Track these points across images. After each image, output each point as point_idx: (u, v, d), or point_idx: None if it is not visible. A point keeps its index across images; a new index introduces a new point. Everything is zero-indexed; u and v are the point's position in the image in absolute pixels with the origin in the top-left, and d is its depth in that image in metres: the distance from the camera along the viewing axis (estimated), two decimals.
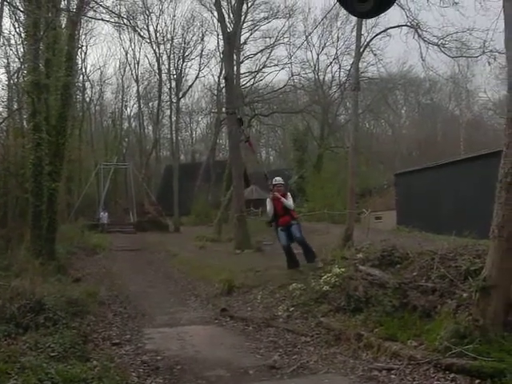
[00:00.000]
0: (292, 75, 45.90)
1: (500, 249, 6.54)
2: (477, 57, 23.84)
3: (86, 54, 45.99)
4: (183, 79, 49.42)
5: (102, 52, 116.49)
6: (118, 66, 64.84)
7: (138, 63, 51.68)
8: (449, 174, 27.33)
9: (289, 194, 12.08)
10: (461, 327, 6.42)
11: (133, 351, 7.72)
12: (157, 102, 50.41)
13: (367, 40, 27.39)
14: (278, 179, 12.30)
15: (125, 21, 34.79)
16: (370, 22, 27.79)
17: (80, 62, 42.34)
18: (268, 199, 11.98)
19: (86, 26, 38.73)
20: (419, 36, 23.26)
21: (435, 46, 23.53)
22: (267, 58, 45.10)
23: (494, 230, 6.54)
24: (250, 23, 42.22)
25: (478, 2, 20.39)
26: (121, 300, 12.30)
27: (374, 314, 7.99)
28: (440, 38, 23.32)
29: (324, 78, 49.05)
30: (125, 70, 52.18)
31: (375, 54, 32.86)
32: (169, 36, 47.39)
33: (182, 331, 9.00)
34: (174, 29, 48.24)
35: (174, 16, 47.49)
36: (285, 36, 44.65)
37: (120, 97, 53.67)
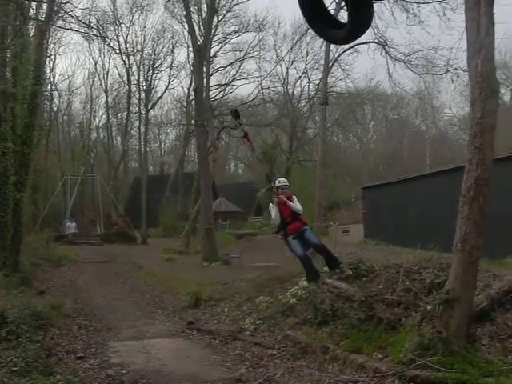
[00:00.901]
0: (261, 88, 46.14)
1: (463, 262, 6.67)
2: (441, 74, 24.45)
3: (54, 62, 45.36)
4: (153, 90, 49.26)
5: (71, 61, 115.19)
6: (86, 75, 64.02)
7: (107, 73, 51.16)
8: (415, 188, 27.71)
9: (294, 196, 10.09)
10: (425, 339, 6.51)
11: (97, 365, 7.63)
12: (126, 112, 50.01)
13: (336, 55, 27.66)
14: (283, 180, 10.40)
15: (94, 31, 34.65)
16: None
17: (48, 71, 41.78)
18: (271, 205, 10.08)
19: (55, 34, 38.27)
20: (386, 53, 23.69)
21: (402, 63, 24.02)
22: (237, 71, 45.26)
23: (457, 244, 6.67)
24: (220, 36, 42.32)
25: (442, 21, 20.87)
26: (86, 313, 12.12)
27: (341, 326, 8.05)
28: (406, 55, 23.81)
29: (293, 92, 49.36)
30: (94, 80, 51.67)
31: (343, 69, 33.29)
32: (139, 47, 47.16)
33: (148, 344, 8.93)
34: (145, 40, 48.12)
35: (145, 27, 47.73)
36: (255, 50, 44.88)
37: (88, 107, 53.13)
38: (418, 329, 7.03)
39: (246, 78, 45.23)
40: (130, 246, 34.48)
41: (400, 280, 8.55)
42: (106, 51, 48.27)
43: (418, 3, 21.13)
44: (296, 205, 9.78)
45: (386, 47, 23.53)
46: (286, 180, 10.45)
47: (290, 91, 49.05)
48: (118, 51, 45.58)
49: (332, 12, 16.15)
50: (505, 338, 6.59)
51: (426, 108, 53.77)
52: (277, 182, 10.16)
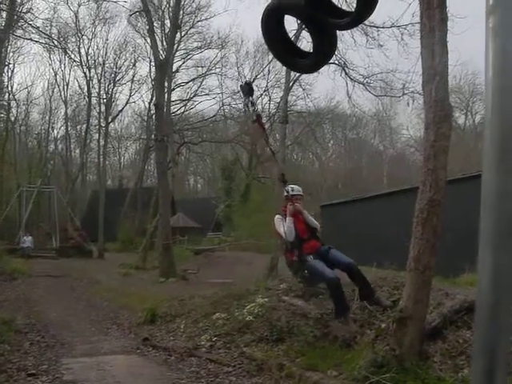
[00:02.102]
0: (223, 105, 46.35)
1: (416, 281, 6.81)
2: (399, 97, 25.08)
3: (13, 72, 44.60)
4: (113, 104, 48.96)
5: (31, 71, 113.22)
6: (46, 86, 63.05)
7: (67, 85, 50.56)
8: (372, 207, 28.12)
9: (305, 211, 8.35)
10: (379, 357, 6.60)
11: (49, 382, 7.47)
12: (85, 125, 49.48)
13: (296, 75, 28.05)
14: (297, 188, 8.51)
15: (55, 42, 34.33)
16: None
17: (6, 80, 41.13)
18: (278, 217, 8.02)
19: (15, 43, 37.71)
20: (346, 74, 24.17)
21: (361, 85, 24.54)
22: (198, 87, 45.41)
23: (411, 263, 6.81)
24: (182, 52, 42.45)
25: (400, 45, 21.43)
26: (39, 328, 11.85)
27: (296, 343, 8.09)
28: (365, 77, 24.37)
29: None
30: (53, 91, 51.01)
31: (304, 89, 33.71)
32: (100, 60, 46.89)
33: (102, 361, 8.79)
34: (106, 53, 47.70)
35: (107, 40, 47.15)
36: (217, 66, 45.15)
37: (47, 118, 52.41)
38: (373, 346, 7.12)
39: (208, 94, 45.42)
40: (87, 260, 34.02)
41: (355, 298, 8.66)
42: (66, 62, 47.86)
43: (378, 27, 21.64)
44: (312, 219, 8.07)
45: (346, 69, 24.04)
46: (300, 189, 8.54)
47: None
48: (78, 63, 45.23)
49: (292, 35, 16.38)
50: (456, 355, 6.74)
51: (384, 129, 54.93)
52: (290, 188, 8.15)
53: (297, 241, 7.60)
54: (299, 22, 13.21)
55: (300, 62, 3.70)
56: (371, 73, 24.73)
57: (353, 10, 3.27)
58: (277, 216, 7.89)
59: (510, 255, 1.22)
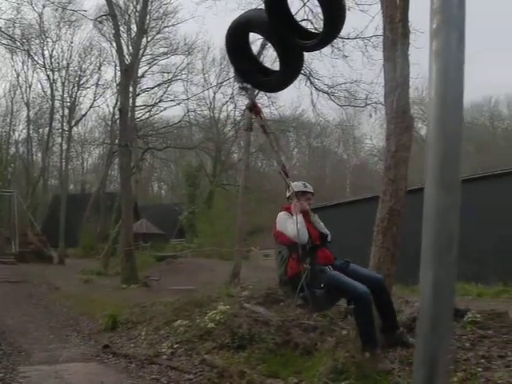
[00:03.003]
0: (188, 111, 46.25)
1: None
2: (362, 107, 25.36)
3: None
4: (77, 107, 48.31)
5: None
6: (7, 88, 61.91)
7: (29, 87, 49.65)
8: (334, 215, 28.36)
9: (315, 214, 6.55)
10: (338, 363, 6.67)
11: None
12: (47, 128, 48.70)
13: None
14: (310, 186, 6.60)
15: (18, 43, 33.81)
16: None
17: None
18: (282, 214, 6.06)
19: None
20: (311, 83, 24.36)
21: (325, 94, 24.76)
22: (164, 93, 45.13)
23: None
24: (148, 57, 42.13)
25: (365, 57, 21.72)
26: None
27: (258, 351, 8.12)
28: (330, 87, 24.57)
29: (219, 116, 49.81)
30: (15, 93, 50.12)
31: (269, 97, 33.79)
32: (64, 62, 46.21)
33: (60, 369, 8.67)
34: (71, 56, 47.03)
35: (72, 43, 46.35)
36: (183, 72, 44.98)
37: (8, 120, 51.40)
38: (333, 353, 7.19)
39: (173, 100, 45.18)
40: (47, 266, 33.38)
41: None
42: (29, 64, 47.09)
43: (343, 38, 21.87)
44: (322, 225, 6.36)
45: (311, 78, 24.22)
46: (311, 188, 6.57)
47: (216, 115, 49.48)
48: (42, 65, 44.58)
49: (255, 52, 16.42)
50: None
51: (348, 138, 55.52)
52: (301, 184, 6.45)
53: (310, 245, 5.76)
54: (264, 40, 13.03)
55: (264, 81, 3.71)
56: (336, 83, 24.98)
57: (319, 31, 3.31)
58: (281, 213, 5.96)
59: (449, 270, 1.28)
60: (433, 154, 1.30)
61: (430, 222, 1.27)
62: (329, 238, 6.16)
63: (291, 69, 3.55)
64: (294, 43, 3.18)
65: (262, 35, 3.90)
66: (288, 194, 6.02)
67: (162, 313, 11.59)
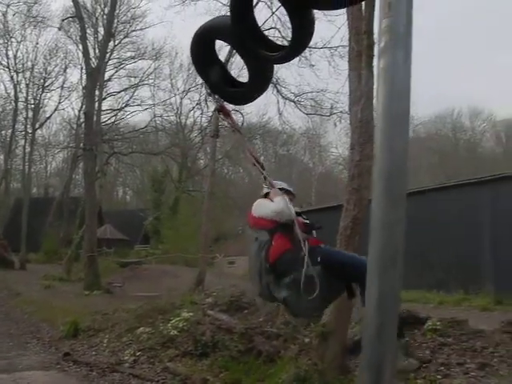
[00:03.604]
0: (154, 116, 45.99)
1: None
2: (328, 116, 25.62)
3: None
4: (41, 110, 47.55)
5: None
6: None
7: None
8: None
9: None
10: (301, 371, 6.72)
11: None
12: (10, 130, 47.83)
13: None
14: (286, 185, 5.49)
15: None
16: None
17: None
18: (262, 200, 4.97)
19: None
20: (278, 91, 24.51)
21: (292, 102, 24.95)
22: (130, 97, 44.77)
23: None
24: (115, 61, 41.70)
25: (331, 66, 21.98)
26: None
27: (221, 358, 8.11)
28: (296, 96, 24.78)
29: (186, 122, 49.64)
30: None
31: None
32: (29, 64, 45.48)
33: (19, 377, 8.51)
34: (36, 57, 46.32)
35: (37, 44, 45.62)
36: (150, 77, 44.69)
37: None
38: (296, 361, 7.23)
39: (140, 105, 44.87)
40: (8, 271, 32.74)
41: (280, 313, 8.78)
42: None
43: (310, 48, 22.09)
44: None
45: (278, 86, 24.36)
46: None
47: (183, 121, 49.31)
48: (6, 66, 43.81)
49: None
50: None
51: (314, 146, 55.88)
52: (284, 183, 5.51)
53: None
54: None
55: (232, 92, 3.70)
56: (302, 91, 25.22)
57: (285, 44, 3.28)
58: (260, 199, 5.04)
59: (394, 281, 1.31)
60: (379, 169, 1.34)
61: (376, 235, 1.31)
62: (316, 226, 4.96)
63: (259, 81, 3.50)
64: (260, 55, 3.14)
65: (229, 44, 3.86)
66: (265, 191, 5.03)
67: (124, 320, 11.49)
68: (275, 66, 3.63)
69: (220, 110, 4.83)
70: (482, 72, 78.01)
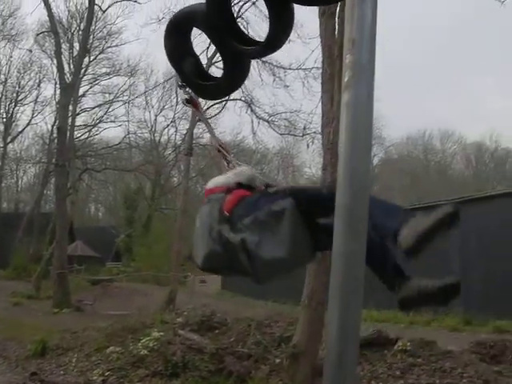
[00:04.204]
0: (128, 133, 45.86)
1: (309, 318, 7.01)
2: (301, 136, 25.86)
3: None
4: (13, 124, 47.15)
5: None
6: None
7: None
8: None
9: None
10: None
11: None
12: None
13: (204, 108, 28.25)
14: (248, 174, 3.83)
15: None
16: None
17: None
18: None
19: None
20: (252, 111, 24.74)
21: (266, 122, 25.16)
22: (105, 114, 44.59)
23: (305, 300, 7.01)
24: (90, 76, 41.61)
25: (305, 87, 22.23)
26: None
27: (191, 378, 8.06)
28: (270, 115, 25.03)
29: (160, 140, 49.58)
30: None
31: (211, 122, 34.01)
32: (2, 77, 45.11)
33: None
34: (9, 70, 45.99)
35: (11, 57, 45.30)
36: (125, 94, 44.60)
37: None
38: (267, 381, 7.22)
39: (114, 122, 44.72)
40: None
41: (251, 333, 8.77)
42: None
43: (285, 69, 22.35)
44: None
45: (252, 106, 24.59)
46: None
47: (157, 138, 49.26)
48: None
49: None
50: None
51: (287, 166, 56.19)
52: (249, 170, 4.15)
53: None
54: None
55: (205, 85, 3.49)
56: (276, 111, 25.48)
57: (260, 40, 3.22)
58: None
59: (355, 310, 1.35)
60: (340, 203, 1.38)
61: (338, 265, 1.34)
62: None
63: (234, 76, 3.37)
64: (234, 48, 3.04)
65: (206, 34, 3.48)
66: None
67: (94, 339, 11.35)
68: (250, 86, 3.53)
69: (189, 101, 4.29)
70: (452, 95, 79.52)
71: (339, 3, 6.34)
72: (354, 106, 1.37)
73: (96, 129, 45.15)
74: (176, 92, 42.60)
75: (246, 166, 4.03)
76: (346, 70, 1.35)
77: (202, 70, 3.62)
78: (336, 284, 1.37)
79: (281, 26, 2.89)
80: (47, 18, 28.70)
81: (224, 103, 27.13)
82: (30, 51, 35.49)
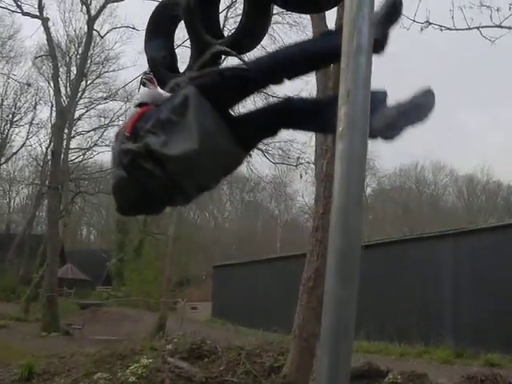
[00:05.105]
0: None
1: (300, 348, 7.01)
2: (295, 166, 26.04)
3: None
4: (8, 145, 47.11)
5: None
6: None
7: None
8: (262, 270, 28.55)
9: None
10: None
11: None
12: None
13: None
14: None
15: None
16: None
17: None
18: None
19: None
20: None
21: (260, 151, 25.30)
22: (99, 137, 44.58)
23: (296, 330, 7.02)
24: (86, 100, 41.71)
25: None
26: None
27: None
28: (265, 144, 25.12)
29: None
30: None
31: None
32: None
33: None
34: (6, 91, 46.09)
35: (9, 78, 45.45)
36: (120, 118, 44.59)
37: None
38: None
39: (108, 145, 44.67)
40: None
41: (241, 362, 8.72)
42: None
43: (279, 98, 22.57)
44: None
45: None
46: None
47: None
48: None
49: None
50: None
51: (280, 194, 56.25)
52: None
53: None
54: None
55: (171, 76, 3.12)
56: (270, 140, 25.60)
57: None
58: None
59: (345, 354, 1.38)
60: (333, 249, 1.42)
61: (329, 311, 1.37)
62: None
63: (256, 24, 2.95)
64: (204, 39, 2.82)
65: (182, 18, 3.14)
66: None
67: (82, 364, 11.23)
68: None
69: (149, 80, 3.65)
70: (444, 128, 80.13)
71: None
72: (347, 155, 1.41)
73: (90, 152, 45.18)
74: None
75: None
76: (340, 121, 1.40)
77: (172, 62, 3.35)
78: (327, 329, 1.40)
79: (256, 25, 2.77)
80: (46, 42, 28.94)
81: None
82: (29, 85, 35.79)
